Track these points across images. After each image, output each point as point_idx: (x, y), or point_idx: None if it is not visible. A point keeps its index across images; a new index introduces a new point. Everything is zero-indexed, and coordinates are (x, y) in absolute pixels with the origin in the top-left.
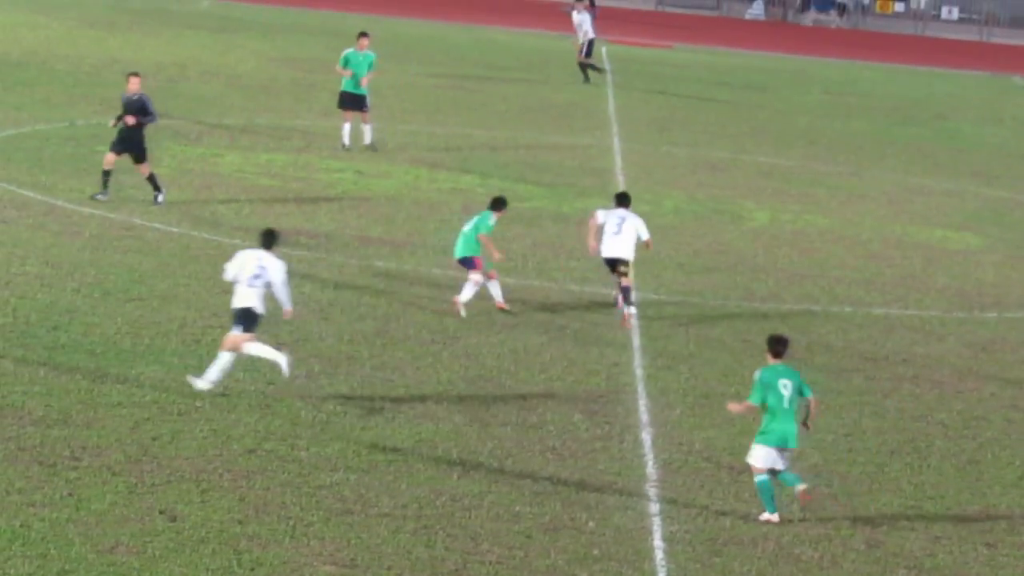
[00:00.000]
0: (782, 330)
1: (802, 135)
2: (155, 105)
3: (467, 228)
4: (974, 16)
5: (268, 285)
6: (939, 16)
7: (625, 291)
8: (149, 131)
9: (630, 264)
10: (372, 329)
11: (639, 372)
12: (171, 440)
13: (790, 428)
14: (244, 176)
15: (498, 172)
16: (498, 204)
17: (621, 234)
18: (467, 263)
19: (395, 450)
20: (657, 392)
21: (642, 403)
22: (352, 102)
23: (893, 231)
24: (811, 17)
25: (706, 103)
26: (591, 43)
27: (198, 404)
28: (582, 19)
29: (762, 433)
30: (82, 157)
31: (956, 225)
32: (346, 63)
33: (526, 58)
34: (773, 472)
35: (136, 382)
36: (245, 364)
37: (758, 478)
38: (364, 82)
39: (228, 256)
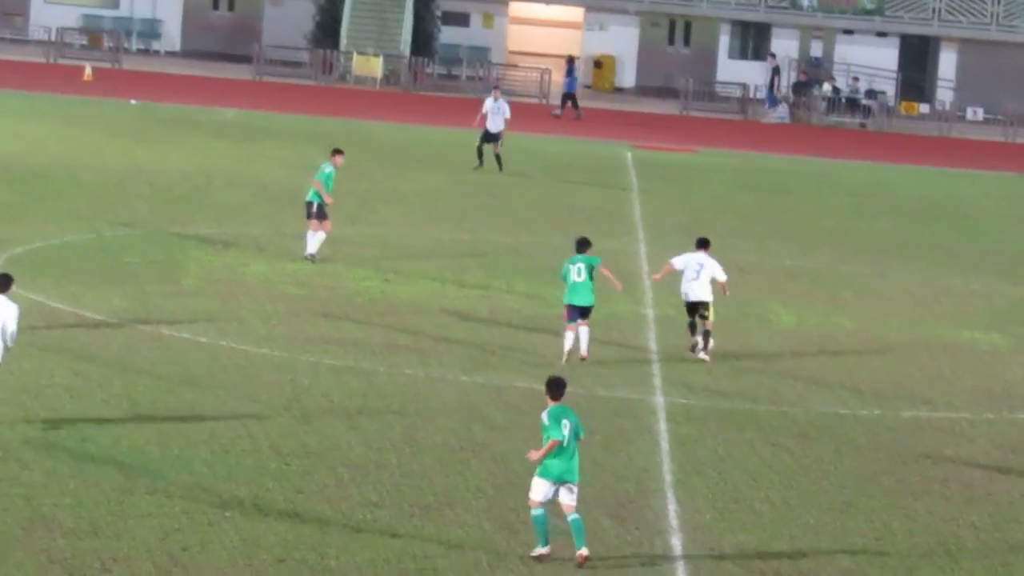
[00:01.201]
0: (811, 433)
1: (828, 237)
2: (180, 214)
3: (579, 278)
4: (999, 116)
5: (3, 328)
6: (964, 117)
7: (705, 335)
8: (171, 240)
9: (710, 306)
10: (400, 436)
11: (668, 477)
12: (201, 550)
13: (571, 464)
14: (271, 285)
15: (525, 278)
16: (588, 243)
17: (700, 280)
18: (589, 311)
19: (425, 557)
20: (687, 496)
21: (672, 508)
22: (322, 213)
23: (920, 332)
24: (773, 114)
25: (731, 206)
26: (500, 133)
27: (227, 514)
28: (498, 106)
29: (543, 468)
30: (109, 268)
31: (983, 325)
32: (328, 180)
33: (550, 163)
34: (565, 512)
35: (165, 492)
36: (274, 473)
37: (534, 511)
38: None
39: (256, 365)
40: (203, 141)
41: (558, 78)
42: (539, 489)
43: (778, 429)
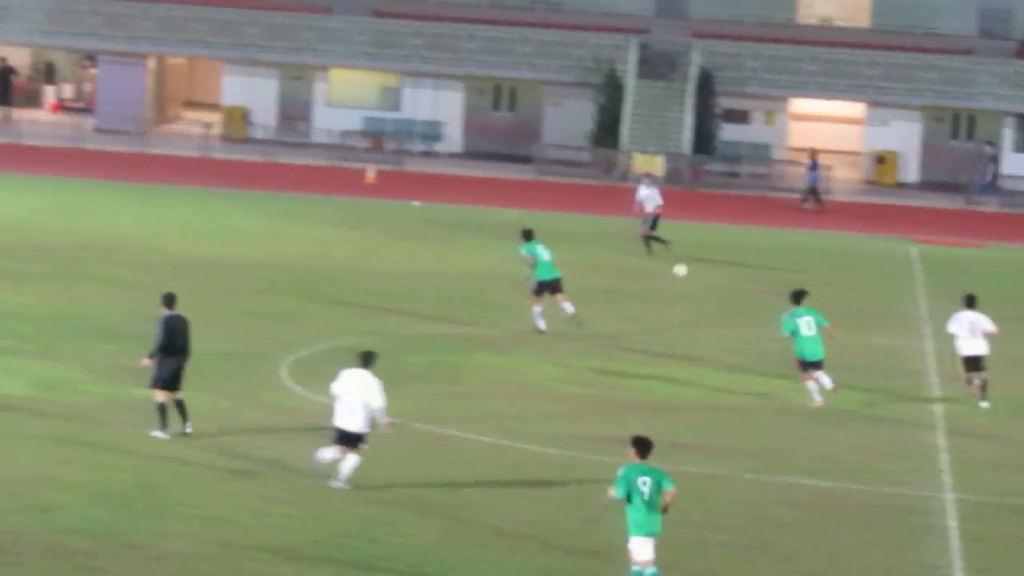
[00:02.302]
0: None
1: None
2: (463, 315)
3: (811, 332)
4: None
5: (367, 403)
6: None
7: (983, 384)
8: (456, 341)
9: (985, 359)
10: (687, 536)
11: (960, 575)
12: None
13: (654, 518)
14: (555, 385)
15: None
16: (806, 294)
17: (975, 337)
18: (823, 364)
19: None
20: None
21: None
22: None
23: None
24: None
25: (1020, 301)
26: (656, 217)
27: None
28: (650, 193)
29: (633, 526)
30: (395, 369)
31: None
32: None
33: (832, 259)
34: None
35: None
36: (562, 573)
37: (648, 570)
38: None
39: (543, 465)
40: (485, 242)
41: (840, 174)
42: (640, 547)
43: None
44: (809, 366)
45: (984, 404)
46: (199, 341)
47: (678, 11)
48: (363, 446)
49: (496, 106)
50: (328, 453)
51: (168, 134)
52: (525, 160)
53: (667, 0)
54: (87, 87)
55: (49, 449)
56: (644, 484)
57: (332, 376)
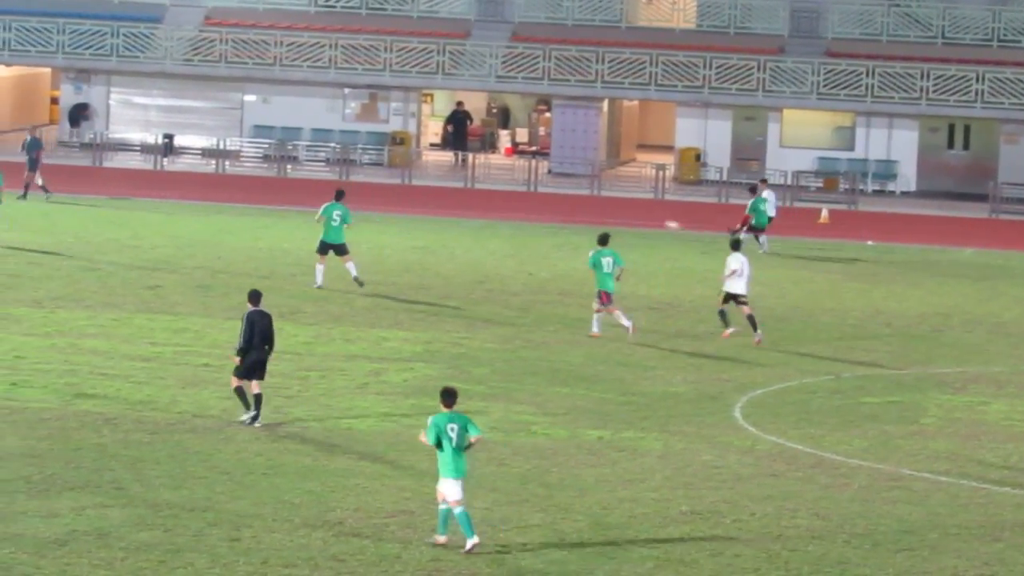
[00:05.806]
0: None
1: None
2: (918, 354)
3: (608, 270)
4: None
5: None
6: None
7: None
8: (910, 380)
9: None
10: None
11: None
12: None
13: (461, 463)
14: (1011, 424)
15: None
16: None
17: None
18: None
19: None
20: None
21: None
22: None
23: None
24: None
25: None
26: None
27: None
28: (768, 195)
29: (443, 469)
30: (849, 409)
31: None
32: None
33: None
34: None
35: None
36: None
37: (457, 510)
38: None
39: (998, 505)
40: (940, 281)
41: None
42: (450, 488)
43: None
44: (607, 297)
45: None
46: (652, 382)
47: None
48: None
49: (951, 144)
50: None
51: (621, 177)
52: (980, 198)
53: None
54: (541, 131)
55: (504, 491)
56: (452, 430)
57: (787, 415)
